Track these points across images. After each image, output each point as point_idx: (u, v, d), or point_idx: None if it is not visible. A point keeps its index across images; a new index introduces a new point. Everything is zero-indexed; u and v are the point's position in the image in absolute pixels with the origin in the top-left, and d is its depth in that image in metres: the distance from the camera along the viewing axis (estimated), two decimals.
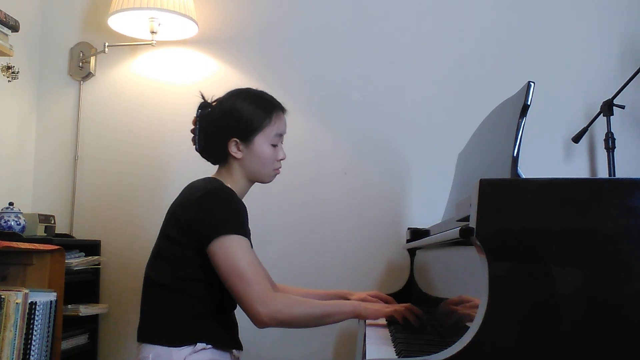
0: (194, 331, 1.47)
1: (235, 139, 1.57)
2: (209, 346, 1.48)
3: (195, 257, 1.47)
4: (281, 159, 1.63)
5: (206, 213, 1.46)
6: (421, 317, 1.46)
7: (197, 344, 1.46)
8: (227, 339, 1.53)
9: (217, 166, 1.66)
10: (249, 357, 1.75)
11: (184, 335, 1.46)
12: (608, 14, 2.37)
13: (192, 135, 1.65)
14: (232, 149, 1.58)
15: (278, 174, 1.65)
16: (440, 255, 1.52)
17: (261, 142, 1.58)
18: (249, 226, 1.58)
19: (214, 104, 1.64)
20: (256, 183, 1.65)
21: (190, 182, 1.59)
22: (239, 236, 1.44)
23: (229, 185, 1.57)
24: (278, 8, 2.53)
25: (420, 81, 2.42)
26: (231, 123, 1.58)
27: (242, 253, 1.42)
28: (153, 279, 1.53)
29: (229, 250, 1.42)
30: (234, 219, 1.46)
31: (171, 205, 1.57)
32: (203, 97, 1.65)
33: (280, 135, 1.63)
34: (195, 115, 1.64)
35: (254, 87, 1.68)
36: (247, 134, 1.57)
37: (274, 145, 1.61)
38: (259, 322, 1.39)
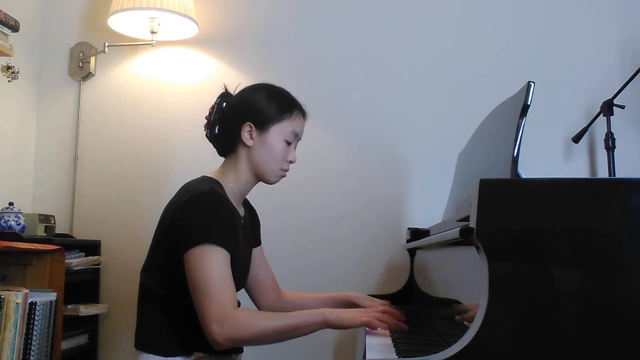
0: (191, 340, 1.43)
1: (249, 123, 1.52)
2: (207, 355, 1.45)
3: (182, 264, 1.38)
4: (290, 161, 1.57)
5: (187, 219, 1.39)
6: (400, 323, 1.37)
7: (194, 353, 1.43)
8: None
9: (217, 164, 1.62)
10: (249, 359, 1.75)
11: (181, 345, 1.43)
12: (608, 14, 2.37)
13: (206, 122, 1.60)
14: (245, 135, 1.52)
15: (284, 176, 1.58)
16: (440, 255, 1.52)
17: (276, 132, 1.53)
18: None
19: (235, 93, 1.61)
20: (259, 184, 1.61)
21: (188, 181, 1.52)
22: (214, 246, 1.34)
23: (230, 182, 1.53)
24: (278, 8, 2.53)
25: (421, 81, 2.42)
26: (249, 108, 1.53)
27: (212, 265, 1.33)
28: (146, 285, 1.49)
29: (200, 260, 1.33)
30: (214, 228, 1.37)
31: (165, 207, 1.51)
32: (226, 89, 1.62)
33: (296, 136, 1.57)
34: (213, 102, 1.60)
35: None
36: (263, 121, 1.52)
37: (288, 144, 1.55)
38: (213, 342, 1.30)
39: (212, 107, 1.59)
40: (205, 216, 1.38)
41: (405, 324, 1.38)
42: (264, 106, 1.53)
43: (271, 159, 1.53)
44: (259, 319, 1.35)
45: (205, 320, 1.30)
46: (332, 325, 1.35)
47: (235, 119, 1.54)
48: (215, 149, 1.62)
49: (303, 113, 1.60)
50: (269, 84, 1.61)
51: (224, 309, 1.30)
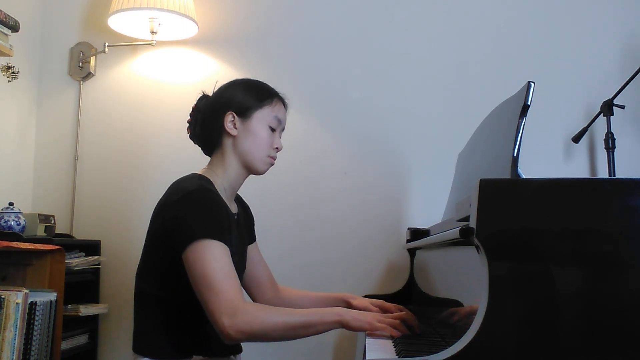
0: (188, 344, 1.42)
1: (232, 112, 1.52)
2: (206, 358, 1.43)
3: (177, 265, 1.36)
4: (277, 148, 1.56)
5: (180, 218, 1.37)
6: (414, 328, 1.36)
7: (193, 356, 1.42)
8: (224, 346, 1.46)
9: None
10: (248, 358, 1.75)
11: (178, 349, 1.41)
12: (608, 13, 2.37)
13: (188, 125, 1.61)
14: (228, 125, 1.51)
15: (272, 164, 1.57)
16: (440, 255, 1.52)
17: (259, 118, 1.53)
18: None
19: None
20: (251, 178, 1.59)
21: (176, 179, 1.50)
22: (213, 241, 1.32)
23: (219, 177, 1.52)
24: (278, 8, 2.53)
25: (421, 81, 2.42)
26: (229, 98, 1.53)
27: (213, 259, 1.30)
28: (142, 289, 1.47)
29: (200, 256, 1.31)
30: (209, 223, 1.35)
31: (155, 206, 1.49)
32: (203, 93, 1.63)
33: (280, 122, 1.56)
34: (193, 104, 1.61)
35: None
36: (245, 109, 1.52)
37: (273, 130, 1.55)
38: (225, 335, 1.26)
39: (193, 109, 1.61)
40: (198, 212, 1.36)
41: (417, 326, 1.38)
42: (244, 95, 1.54)
43: (257, 146, 1.52)
44: (271, 313, 1.31)
45: (215, 315, 1.27)
46: (348, 326, 1.31)
47: (217, 111, 1.54)
48: (200, 150, 1.62)
49: (283, 102, 1.60)
50: (245, 78, 1.63)
51: (233, 301, 1.27)
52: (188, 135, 1.61)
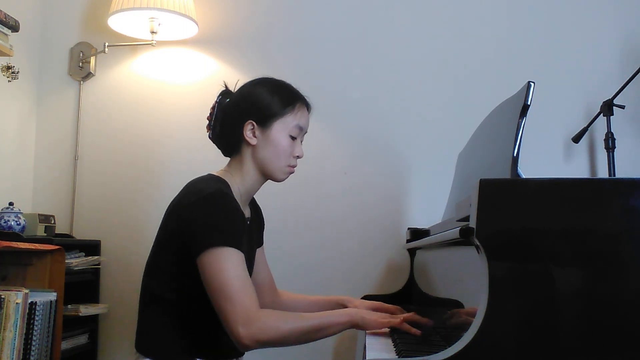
0: (191, 346, 1.42)
1: (251, 121, 1.48)
2: None
3: (188, 267, 1.35)
4: (297, 156, 1.53)
5: (197, 222, 1.35)
6: (425, 325, 1.39)
7: (197, 359, 1.42)
8: (227, 349, 1.45)
9: (221, 164, 1.59)
10: (250, 359, 1.75)
11: (183, 351, 1.41)
12: (608, 13, 2.37)
13: (208, 122, 1.56)
14: (247, 134, 1.48)
15: (292, 172, 1.54)
16: (440, 255, 1.52)
17: (279, 128, 1.49)
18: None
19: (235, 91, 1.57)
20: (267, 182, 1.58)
21: (193, 178, 1.49)
22: (230, 248, 1.32)
23: (237, 182, 1.50)
24: (278, 8, 2.53)
25: (421, 81, 2.42)
26: (250, 105, 1.49)
27: (230, 267, 1.30)
28: (150, 289, 1.46)
29: (216, 264, 1.30)
30: (226, 229, 1.34)
31: (169, 205, 1.47)
32: (226, 86, 1.59)
33: (301, 129, 1.53)
34: (214, 101, 1.57)
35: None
36: (265, 118, 1.48)
37: (293, 138, 1.51)
38: (241, 345, 1.27)
39: (213, 107, 1.57)
40: (215, 218, 1.35)
41: (421, 326, 1.39)
42: (265, 101, 1.50)
43: (277, 156, 1.50)
44: (286, 320, 1.33)
45: (231, 324, 1.27)
46: (358, 325, 1.37)
47: (236, 118, 1.50)
48: (219, 150, 1.59)
49: (307, 105, 1.56)
50: (269, 78, 1.58)
51: (249, 311, 1.28)
52: (207, 134, 1.57)
